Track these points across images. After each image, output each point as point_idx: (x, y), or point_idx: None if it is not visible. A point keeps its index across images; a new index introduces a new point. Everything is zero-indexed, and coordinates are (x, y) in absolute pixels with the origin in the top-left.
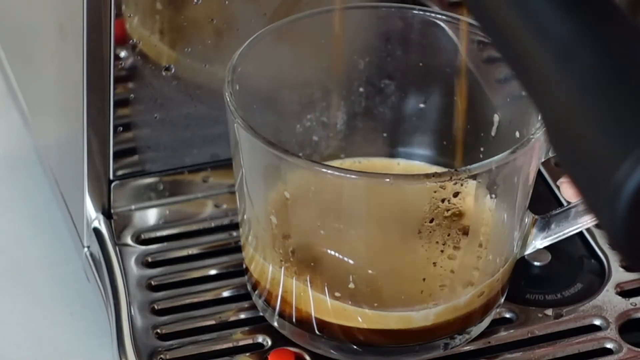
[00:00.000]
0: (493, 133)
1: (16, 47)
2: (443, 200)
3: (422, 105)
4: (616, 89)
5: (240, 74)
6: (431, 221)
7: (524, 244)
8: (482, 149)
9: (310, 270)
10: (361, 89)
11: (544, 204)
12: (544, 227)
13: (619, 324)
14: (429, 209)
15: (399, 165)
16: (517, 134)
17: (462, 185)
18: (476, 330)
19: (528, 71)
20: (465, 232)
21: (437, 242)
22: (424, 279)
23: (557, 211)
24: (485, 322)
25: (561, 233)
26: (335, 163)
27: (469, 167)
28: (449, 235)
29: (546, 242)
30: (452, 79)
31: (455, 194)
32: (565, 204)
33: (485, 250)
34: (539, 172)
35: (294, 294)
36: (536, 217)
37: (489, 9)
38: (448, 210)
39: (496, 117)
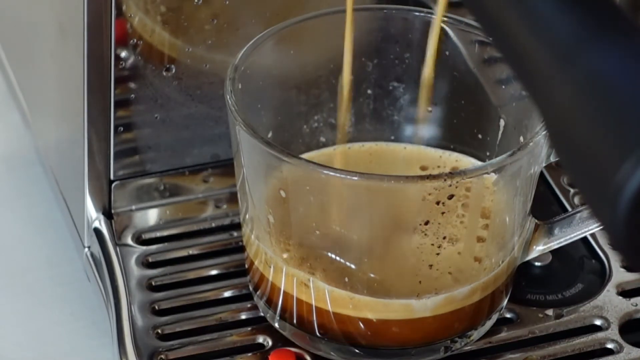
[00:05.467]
0: (499, 137)
1: (16, 47)
2: (438, 203)
3: (429, 109)
4: (617, 89)
5: (244, 73)
6: (426, 223)
7: (527, 249)
8: (487, 153)
9: (310, 270)
10: (369, 91)
11: (544, 204)
12: (547, 232)
13: (619, 324)
14: (424, 210)
15: (406, 149)
16: (522, 139)
17: (456, 187)
18: (477, 334)
19: (529, 71)
20: (461, 235)
21: (432, 245)
22: (420, 282)
23: (561, 217)
24: (487, 325)
25: (564, 238)
26: (343, 148)
27: (464, 169)
28: (444, 238)
29: (549, 248)
30: (459, 81)
31: (450, 197)
32: (567, 205)
33: (483, 254)
34: (540, 173)
35: (295, 294)
36: (539, 222)
37: (490, 9)
38: (443, 213)
39: (502, 122)
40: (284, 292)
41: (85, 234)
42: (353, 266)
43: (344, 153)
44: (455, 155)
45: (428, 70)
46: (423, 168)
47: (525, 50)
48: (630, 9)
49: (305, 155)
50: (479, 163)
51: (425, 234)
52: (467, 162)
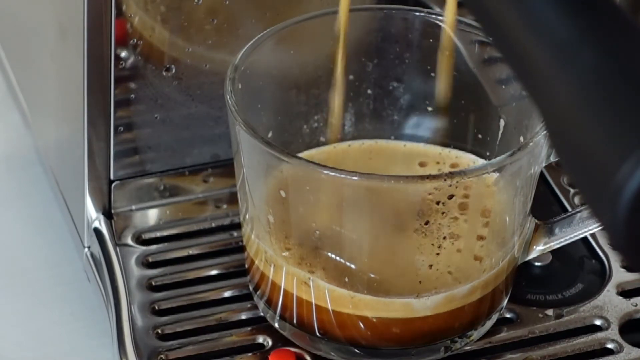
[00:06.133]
0: (499, 137)
1: (16, 47)
2: (438, 203)
3: (429, 109)
4: (617, 90)
5: (244, 73)
6: (426, 223)
7: (527, 249)
8: (487, 153)
9: (310, 269)
10: (369, 91)
11: (544, 204)
12: (547, 232)
13: (619, 324)
14: (424, 210)
15: (405, 147)
16: (522, 139)
17: (456, 187)
18: (477, 334)
19: (529, 71)
20: (461, 235)
21: (432, 245)
22: (420, 282)
23: (561, 217)
24: (487, 325)
25: (564, 238)
26: (343, 146)
27: (464, 169)
28: (444, 237)
29: (549, 248)
30: (459, 81)
31: (450, 196)
32: (567, 205)
33: (483, 254)
34: (540, 173)
35: (295, 294)
36: (539, 222)
37: (490, 9)
38: (443, 213)
39: (502, 122)
40: (284, 291)
41: (85, 234)
42: (353, 266)
43: (343, 151)
44: (455, 152)
45: (442, 90)
46: (422, 164)
47: (525, 50)
48: (630, 9)
49: (304, 154)
50: (480, 160)
51: (425, 234)
52: (467, 158)
